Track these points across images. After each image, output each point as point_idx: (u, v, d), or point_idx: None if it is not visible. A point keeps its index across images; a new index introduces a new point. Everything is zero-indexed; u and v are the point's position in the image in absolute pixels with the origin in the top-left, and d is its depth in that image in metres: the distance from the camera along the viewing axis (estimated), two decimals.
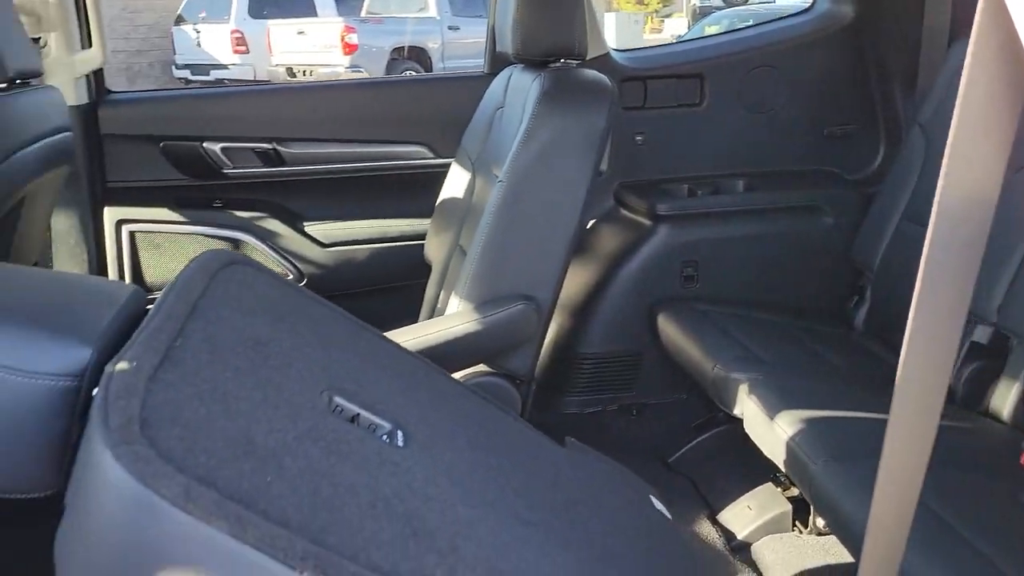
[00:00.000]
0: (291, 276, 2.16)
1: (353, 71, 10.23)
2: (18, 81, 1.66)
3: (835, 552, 1.62)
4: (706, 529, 1.73)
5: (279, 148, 2.15)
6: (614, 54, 2.23)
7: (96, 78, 2.06)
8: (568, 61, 1.71)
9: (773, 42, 2.27)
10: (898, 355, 0.63)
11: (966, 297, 0.62)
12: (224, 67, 11.31)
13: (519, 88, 1.70)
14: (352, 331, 1.11)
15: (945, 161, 0.58)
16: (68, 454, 0.72)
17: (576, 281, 2.19)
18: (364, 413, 0.90)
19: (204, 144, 2.11)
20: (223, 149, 2.12)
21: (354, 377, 0.97)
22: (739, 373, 1.64)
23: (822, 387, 1.60)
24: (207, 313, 0.87)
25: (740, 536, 1.72)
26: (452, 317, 1.54)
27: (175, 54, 11.87)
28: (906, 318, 0.62)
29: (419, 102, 2.24)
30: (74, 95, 1.96)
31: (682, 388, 2.15)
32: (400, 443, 0.90)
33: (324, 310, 1.11)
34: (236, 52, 11.41)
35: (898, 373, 0.62)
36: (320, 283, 2.16)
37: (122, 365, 0.69)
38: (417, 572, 0.69)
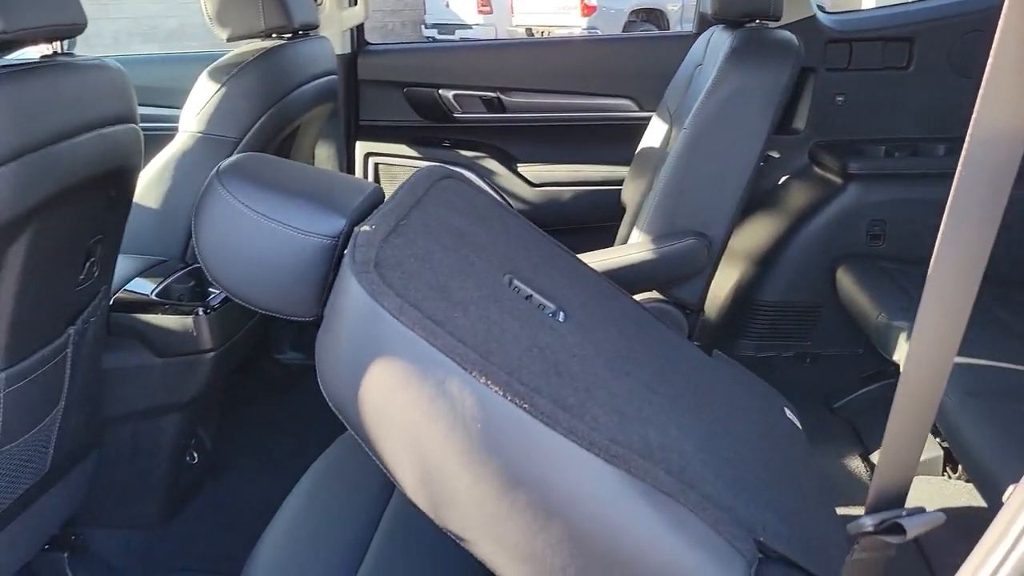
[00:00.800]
0: None
1: (589, 32, 10.46)
2: (300, 32, 2.05)
3: (979, 499, 1.69)
4: (855, 463, 1.85)
5: (502, 97, 2.44)
6: (820, 16, 2.31)
7: (358, 32, 2.44)
8: (763, 22, 1.85)
9: (989, 6, 2.25)
10: None
11: (996, 220, 0.76)
12: (468, 27, 11.93)
13: (716, 47, 1.87)
14: (537, 238, 1.37)
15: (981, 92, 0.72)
16: (326, 291, 1.02)
17: (763, 232, 2.32)
18: (536, 295, 1.16)
19: (439, 91, 2.44)
20: (455, 96, 2.44)
21: (532, 269, 1.22)
22: (901, 321, 1.73)
23: (985, 340, 1.66)
24: (426, 207, 1.16)
25: None
26: (631, 246, 1.76)
27: (425, 14, 12.66)
28: None
29: (629, 59, 2.45)
30: (340, 46, 2.35)
31: (859, 343, 2.23)
32: (561, 320, 1.14)
33: (517, 219, 1.37)
34: (480, 12, 12.01)
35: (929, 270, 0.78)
36: (527, 217, 2.44)
37: (366, 228, 0.99)
38: (553, 395, 0.93)
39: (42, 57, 1.22)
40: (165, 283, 1.65)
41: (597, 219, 2.42)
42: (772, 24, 1.87)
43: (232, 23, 1.86)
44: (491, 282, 1.10)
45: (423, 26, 12.48)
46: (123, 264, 1.66)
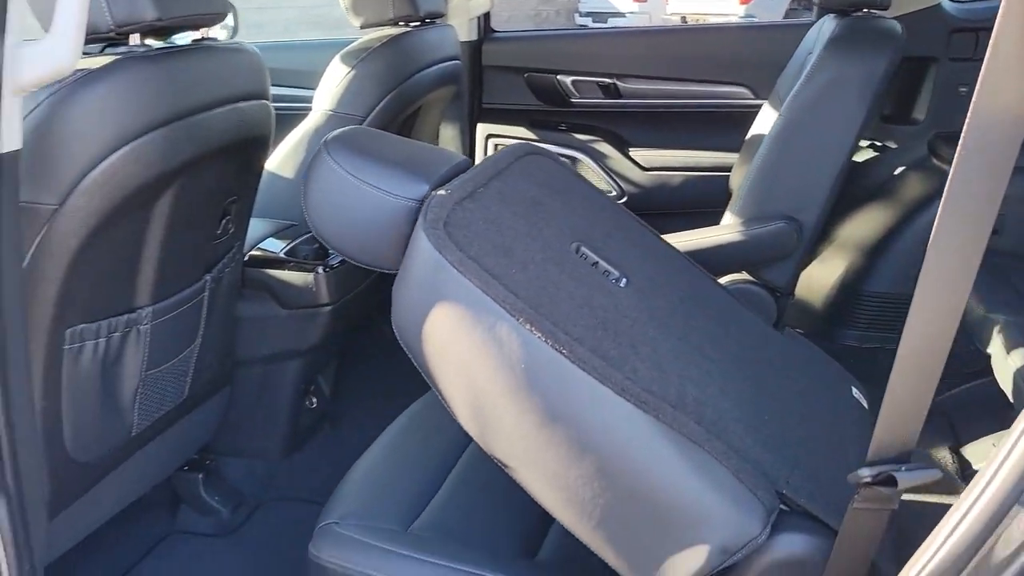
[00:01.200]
0: (613, 193, 2.55)
1: (746, 20, 10.22)
2: (426, 20, 2.22)
3: None
4: (942, 454, 1.84)
5: (618, 83, 2.54)
6: (946, 5, 2.26)
7: (484, 20, 2.60)
8: (872, 11, 1.86)
9: None
10: None
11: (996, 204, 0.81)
12: (621, 15, 11.90)
13: (824, 35, 1.89)
14: (617, 213, 1.47)
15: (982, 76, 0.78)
16: (406, 247, 1.17)
17: (874, 222, 2.31)
18: (602, 262, 1.26)
19: (558, 77, 2.56)
20: (573, 82, 2.56)
21: (604, 239, 1.33)
22: (997, 314, 1.71)
23: None
24: (506, 178, 1.29)
25: (975, 467, 1.80)
26: (721, 228, 1.83)
27: (579, 2, 12.73)
28: None
29: (745, 47, 2.48)
30: (466, 33, 2.51)
31: (968, 338, 2.19)
32: (622, 285, 1.24)
33: (598, 196, 1.47)
34: (635, 0, 11.95)
35: (930, 240, 0.83)
36: (636, 200, 2.53)
37: (441, 192, 1.13)
38: (594, 346, 1.04)
39: (192, 41, 1.43)
40: (293, 244, 1.86)
41: (706, 204, 2.47)
42: (882, 13, 1.87)
43: (365, 12, 2.05)
44: (557, 247, 1.22)
45: (577, 14, 12.55)
46: (258, 226, 1.88)
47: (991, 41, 0.78)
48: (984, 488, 0.80)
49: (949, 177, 0.82)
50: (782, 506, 1.06)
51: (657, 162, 2.54)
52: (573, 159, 2.59)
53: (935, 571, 0.81)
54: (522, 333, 1.02)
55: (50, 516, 1.33)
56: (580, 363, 1.02)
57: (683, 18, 11.06)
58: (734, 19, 10.27)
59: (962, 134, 0.81)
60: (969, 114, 0.80)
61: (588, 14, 12.23)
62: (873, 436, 0.91)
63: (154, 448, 1.59)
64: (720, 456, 1.03)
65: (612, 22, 11.77)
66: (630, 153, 2.56)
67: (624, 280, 1.26)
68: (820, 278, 2.37)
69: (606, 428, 1.02)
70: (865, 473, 0.90)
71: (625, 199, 2.56)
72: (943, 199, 0.83)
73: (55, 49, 0.98)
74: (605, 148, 2.56)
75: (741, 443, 1.07)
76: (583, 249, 1.27)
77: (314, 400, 2.05)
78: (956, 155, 0.82)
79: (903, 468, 0.89)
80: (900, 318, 0.83)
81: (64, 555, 1.45)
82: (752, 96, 2.44)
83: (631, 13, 11.75)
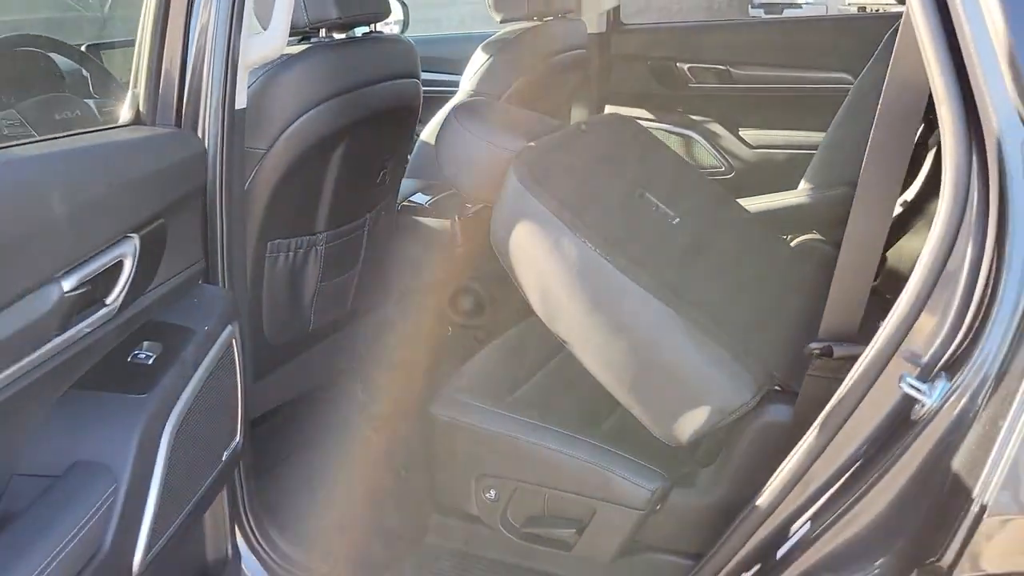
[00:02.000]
0: (723, 168, 2.85)
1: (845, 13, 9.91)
2: (559, 16, 2.62)
3: None
4: None
5: (731, 69, 2.83)
6: None
7: (614, 14, 2.96)
8: None
9: None
10: None
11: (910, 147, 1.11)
12: (798, 6, 11.76)
13: None
14: (689, 173, 1.81)
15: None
16: None
17: None
18: (661, 205, 1.62)
19: (677, 64, 2.89)
20: (690, 68, 2.88)
21: (668, 189, 1.68)
22: None
23: None
24: (588, 137, 1.67)
25: None
26: (794, 192, 2.12)
27: None
28: None
29: (847, 35, 2.71)
30: (595, 26, 2.89)
31: None
32: (675, 223, 1.59)
33: (676, 159, 1.82)
34: None
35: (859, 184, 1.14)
36: (743, 175, 2.82)
37: (532, 144, 1.53)
38: (633, 257, 1.41)
39: (363, 34, 1.90)
40: (437, 197, 2.31)
41: None
42: None
43: (505, 8, 2.47)
44: (621, 189, 1.59)
45: (750, 5, 12.50)
46: (410, 184, 2.34)
47: (901, 25, 1.08)
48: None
49: (874, 124, 1.13)
50: (776, 388, 1.40)
51: (764, 141, 2.81)
52: (688, 137, 2.90)
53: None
54: (579, 243, 1.40)
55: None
56: (619, 266, 1.39)
57: (861, 8, 10.84)
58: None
59: (882, 94, 1.12)
60: (885, 85, 1.11)
61: (761, 5, 12.14)
62: (823, 319, 1.23)
63: (324, 347, 2.08)
64: (722, 342, 1.37)
65: (787, 12, 11.65)
66: (740, 133, 2.85)
67: (678, 219, 1.61)
68: (913, 249, 2.58)
69: (636, 315, 1.39)
70: (815, 346, 1.22)
71: (733, 174, 2.85)
72: (870, 138, 1.14)
73: (270, 40, 1.45)
74: (717, 128, 2.86)
75: (739, 333, 1.40)
76: (647, 195, 1.63)
77: (449, 329, 2.50)
78: (879, 108, 1.13)
79: (841, 344, 1.20)
80: None
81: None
82: (852, 81, 2.67)
83: (807, 3, 11.59)
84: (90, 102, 2.16)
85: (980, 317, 0.95)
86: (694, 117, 2.90)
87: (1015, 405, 0.90)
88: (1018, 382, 0.90)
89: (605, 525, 1.50)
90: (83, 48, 2.44)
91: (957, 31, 0.94)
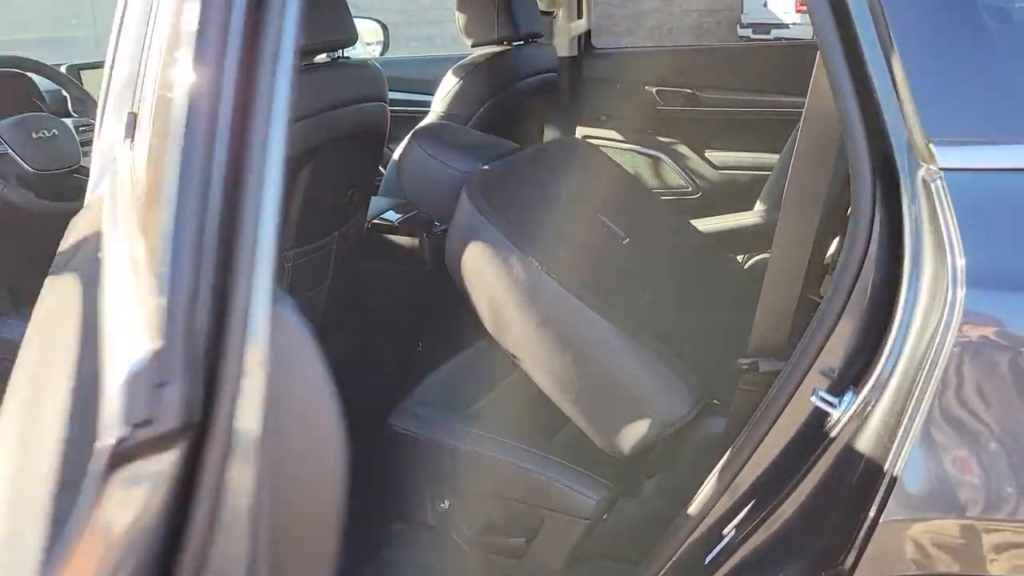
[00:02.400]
0: (690, 188, 2.93)
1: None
2: (529, 40, 2.70)
3: None
4: None
5: (698, 93, 2.91)
6: None
7: (585, 38, 3.04)
8: None
9: None
10: None
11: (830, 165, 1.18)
12: (785, 26, 11.89)
13: None
14: (644, 196, 1.88)
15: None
16: None
17: None
18: (611, 226, 1.69)
19: (645, 87, 2.97)
20: (657, 91, 2.95)
21: (620, 212, 1.74)
22: None
23: None
24: (542, 160, 1.74)
25: None
26: (748, 213, 2.19)
27: (742, 13, 12.79)
28: None
29: (809, 61, 2.79)
30: (567, 49, 2.97)
31: None
32: (624, 243, 1.66)
33: (634, 183, 1.89)
34: (798, 12, 11.89)
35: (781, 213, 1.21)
36: (709, 196, 2.89)
37: (484, 168, 1.60)
38: (579, 275, 1.47)
39: (329, 59, 1.97)
40: (407, 216, 2.38)
41: None
42: None
43: (475, 33, 2.55)
44: (573, 213, 1.66)
45: (739, 26, 12.65)
46: (382, 202, 2.41)
47: (818, 56, 1.16)
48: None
49: (795, 149, 1.20)
50: (716, 401, 1.46)
51: (729, 162, 2.89)
52: (657, 158, 2.98)
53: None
54: (526, 263, 1.47)
55: None
56: (565, 285, 1.46)
57: None
58: None
59: (801, 119, 1.19)
60: (804, 110, 1.18)
61: (750, 25, 12.29)
62: (751, 337, 1.30)
63: None
64: (664, 358, 1.44)
65: (775, 33, 11.80)
66: (706, 154, 2.93)
67: (628, 239, 1.68)
68: None
69: (581, 332, 1.46)
70: (743, 362, 1.29)
71: (700, 194, 2.93)
72: (792, 163, 1.21)
73: None
74: (684, 149, 2.94)
75: (683, 350, 1.47)
76: (599, 216, 1.70)
77: (419, 344, 2.56)
78: (799, 130, 1.20)
79: (767, 360, 1.27)
80: None
81: None
82: None
83: (794, 24, 11.73)
84: (68, 121, 2.22)
85: (880, 333, 1.02)
86: (662, 139, 2.98)
87: (906, 417, 0.96)
88: (906, 395, 0.97)
89: (554, 534, 1.56)
90: (63, 69, 2.51)
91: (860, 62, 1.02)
